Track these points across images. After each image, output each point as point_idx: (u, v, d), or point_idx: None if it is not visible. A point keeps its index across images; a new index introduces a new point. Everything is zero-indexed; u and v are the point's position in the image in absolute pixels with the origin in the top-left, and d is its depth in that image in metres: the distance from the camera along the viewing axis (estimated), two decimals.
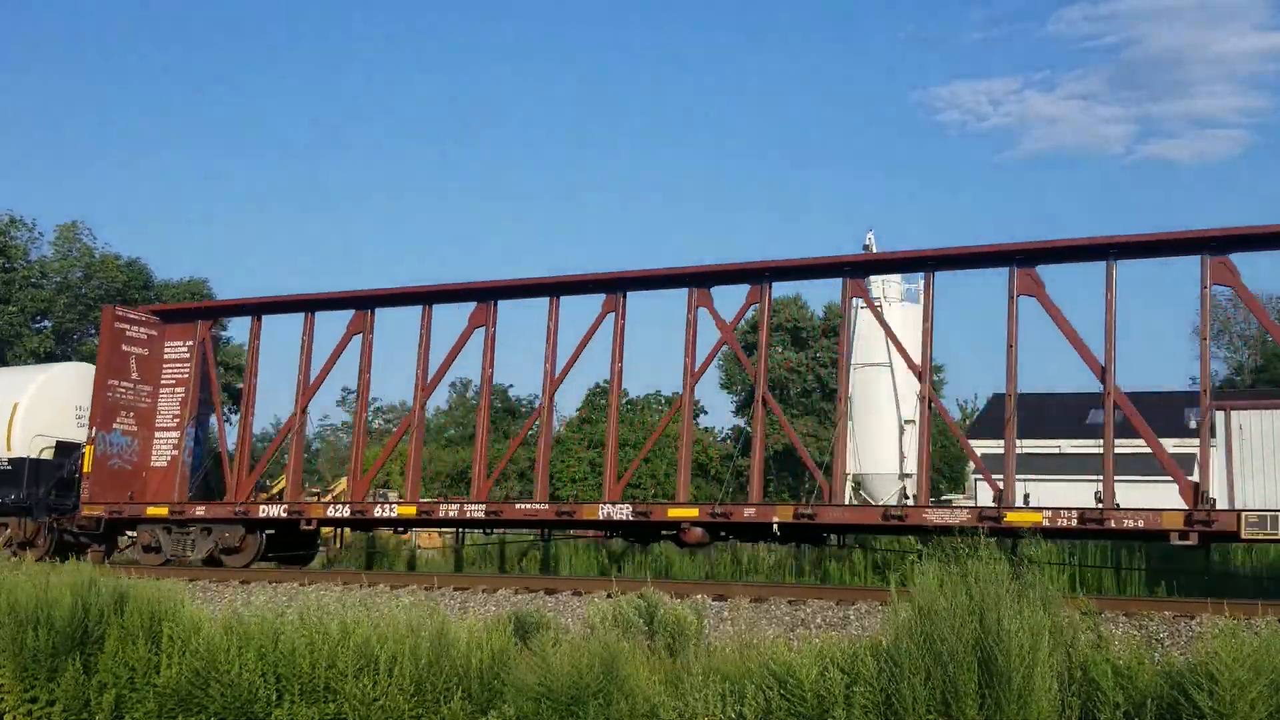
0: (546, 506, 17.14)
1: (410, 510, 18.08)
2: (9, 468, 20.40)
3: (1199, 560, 17.38)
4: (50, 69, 79.29)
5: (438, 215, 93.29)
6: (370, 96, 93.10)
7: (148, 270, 43.77)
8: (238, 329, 37.66)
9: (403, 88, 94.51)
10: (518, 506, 17.46)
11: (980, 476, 18.16)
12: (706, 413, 54.51)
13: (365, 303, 19.66)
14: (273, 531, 19.76)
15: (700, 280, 17.58)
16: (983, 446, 22.93)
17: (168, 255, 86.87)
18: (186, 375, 20.81)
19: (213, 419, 21.10)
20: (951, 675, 6.78)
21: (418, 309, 19.41)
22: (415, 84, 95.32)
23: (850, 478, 18.74)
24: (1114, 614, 11.47)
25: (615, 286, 18.01)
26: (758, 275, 17.13)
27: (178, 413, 20.76)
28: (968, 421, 50.36)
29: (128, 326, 20.80)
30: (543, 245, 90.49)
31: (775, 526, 15.58)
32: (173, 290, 43.45)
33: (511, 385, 59.75)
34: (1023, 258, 15.57)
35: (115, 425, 20.31)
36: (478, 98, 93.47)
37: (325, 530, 21.51)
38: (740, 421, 51.12)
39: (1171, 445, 17.11)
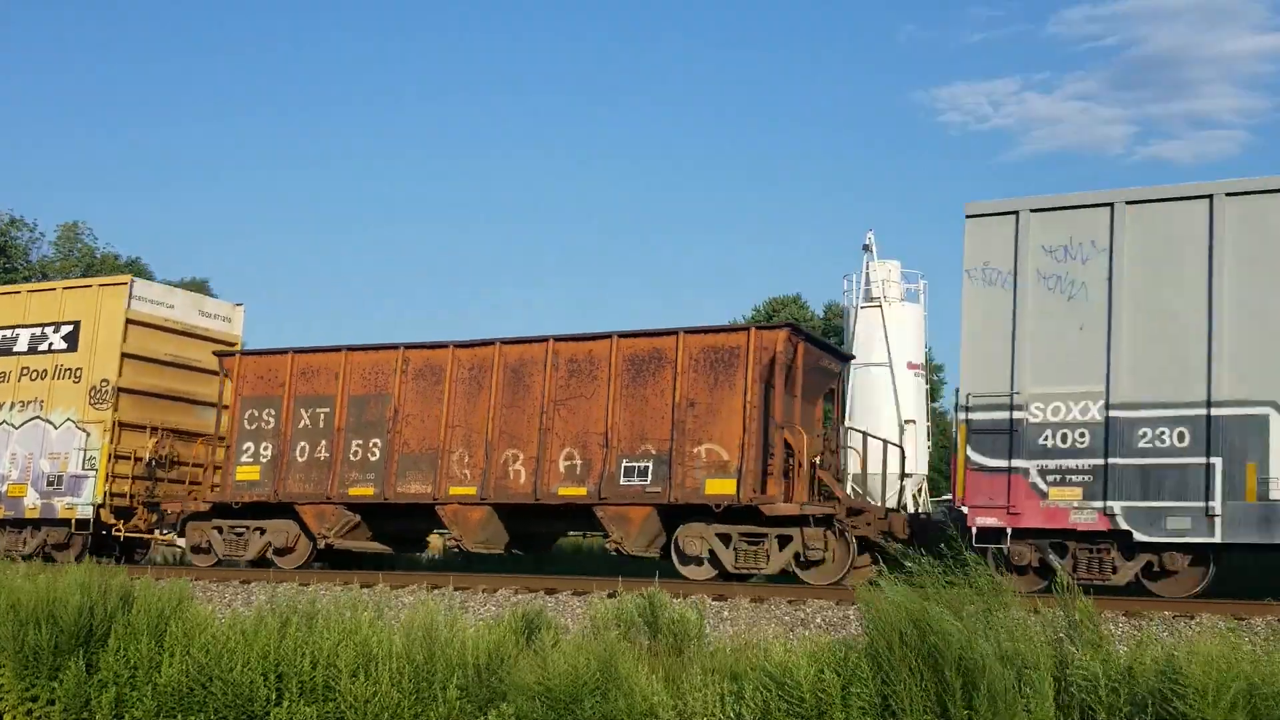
0: None
1: None
2: None
3: None
4: (51, 69, 79.41)
5: (440, 217, 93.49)
6: (373, 99, 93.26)
7: (148, 270, 43.85)
8: None
9: (405, 90, 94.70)
10: None
11: None
12: None
13: None
14: None
15: None
16: None
17: (167, 255, 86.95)
18: None
19: None
20: (947, 680, 6.82)
21: None
22: (418, 87, 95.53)
23: (851, 477, 18.72)
24: (1114, 613, 11.47)
25: None
26: None
27: None
28: None
29: None
30: (539, 246, 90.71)
31: None
32: None
33: None
34: None
35: None
36: (479, 103, 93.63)
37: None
38: None
39: None
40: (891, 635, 7.09)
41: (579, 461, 15.62)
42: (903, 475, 21.47)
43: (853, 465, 18.41)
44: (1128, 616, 11.55)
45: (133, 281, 19.79)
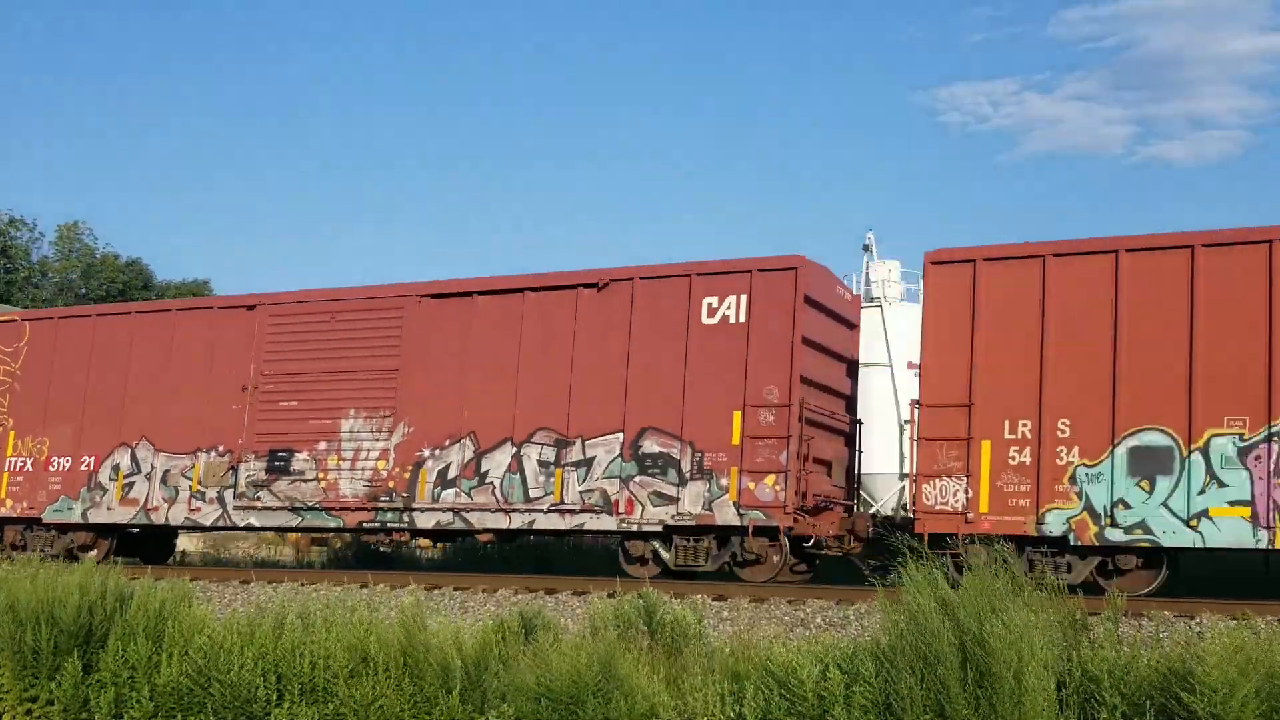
0: None
1: None
2: None
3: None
4: (51, 69, 79.48)
5: (438, 217, 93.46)
6: (372, 99, 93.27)
7: (148, 270, 43.83)
8: None
9: (404, 91, 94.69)
10: None
11: None
12: None
13: None
14: None
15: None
16: None
17: (168, 255, 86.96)
18: None
19: None
20: (941, 678, 6.81)
21: None
22: (418, 87, 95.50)
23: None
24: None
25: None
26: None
27: None
28: None
29: None
30: (539, 247, 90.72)
31: None
32: (173, 290, 43.52)
33: None
34: None
35: None
36: (480, 103, 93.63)
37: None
38: None
39: None
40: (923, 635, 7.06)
41: None
42: (901, 475, 21.48)
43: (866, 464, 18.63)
44: (1128, 616, 11.55)
45: None
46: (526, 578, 15.81)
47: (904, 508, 19.24)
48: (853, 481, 16.68)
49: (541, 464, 15.70)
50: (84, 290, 41.34)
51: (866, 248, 25.15)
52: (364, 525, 16.66)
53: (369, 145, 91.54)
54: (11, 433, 19.26)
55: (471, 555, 24.24)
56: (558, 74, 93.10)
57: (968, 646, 6.92)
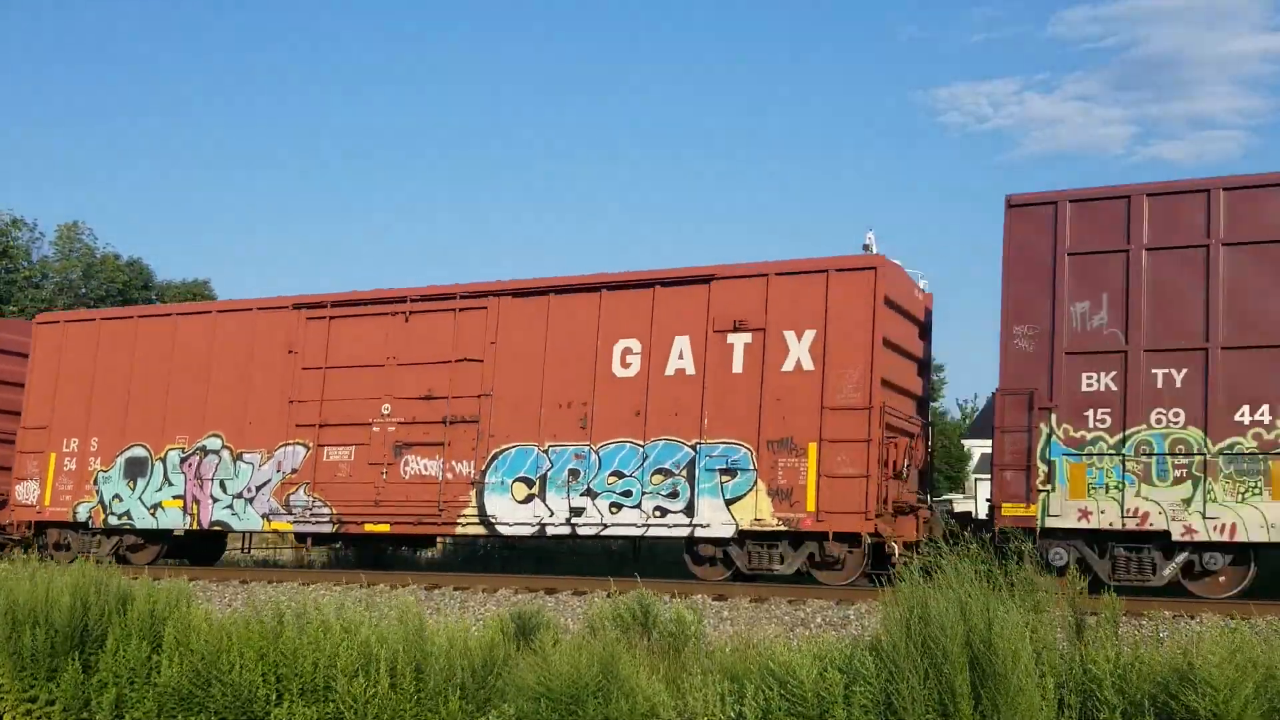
0: None
1: None
2: None
3: None
4: (51, 69, 79.54)
5: (438, 216, 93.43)
6: (374, 97, 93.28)
7: (148, 270, 43.74)
8: None
9: (404, 90, 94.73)
10: None
11: (980, 476, 18.15)
12: None
13: None
14: None
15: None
16: (982, 446, 22.87)
17: (168, 255, 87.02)
18: None
19: None
20: (949, 676, 6.79)
21: None
22: (416, 86, 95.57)
23: None
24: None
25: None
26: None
27: None
28: (968, 421, 50.34)
29: None
30: (539, 247, 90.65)
31: None
32: (174, 290, 43.46)
33: None
34: None
35: None
36: (480, 101, 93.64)
37: None
38: None
39: None
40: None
41: None
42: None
43: None
44: (1128, 616, 11.54)
45: None
46: (527, 578, 15.85)
47: None
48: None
49: None
50: (84, 290, 41.26)
51: (866, 248, 25.11)
52: None
53: (371, 145, 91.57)
54: None
55: (471, 555, 24.23)
56: (558, 75, 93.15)
57: (975, 645, 6.90)
